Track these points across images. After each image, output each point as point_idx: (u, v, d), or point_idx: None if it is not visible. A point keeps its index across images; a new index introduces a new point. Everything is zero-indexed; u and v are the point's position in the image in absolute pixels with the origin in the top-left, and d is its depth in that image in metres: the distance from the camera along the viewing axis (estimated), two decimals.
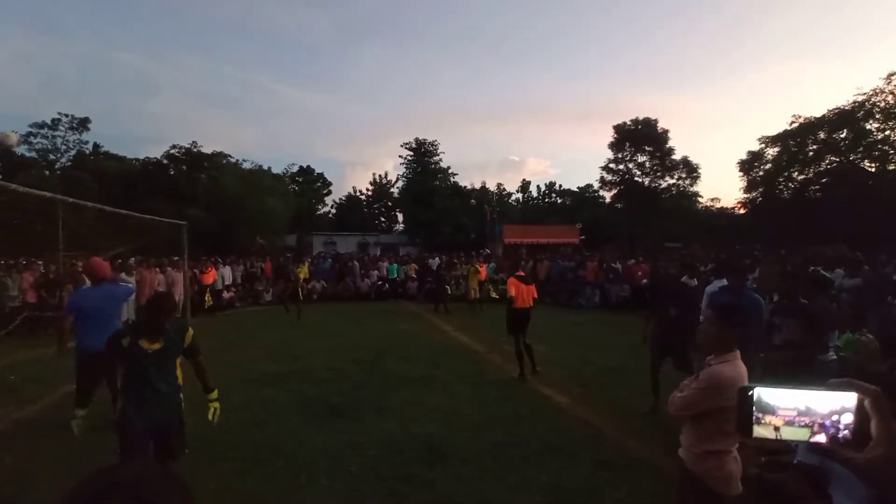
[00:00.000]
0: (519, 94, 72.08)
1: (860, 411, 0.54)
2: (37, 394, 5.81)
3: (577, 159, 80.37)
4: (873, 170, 26.15)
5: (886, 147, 25.51)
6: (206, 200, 25.18)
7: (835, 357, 4.92)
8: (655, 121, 34.55)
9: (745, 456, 2.69)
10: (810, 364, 4.61)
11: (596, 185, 39.14)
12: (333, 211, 46.34)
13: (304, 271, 16.55)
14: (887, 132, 25.47)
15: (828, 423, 0.53)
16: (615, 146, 35.56)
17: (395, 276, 16.77)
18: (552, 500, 3.51)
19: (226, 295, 13.90)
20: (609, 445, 4.43)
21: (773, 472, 2.91)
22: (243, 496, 3.48)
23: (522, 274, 7.06)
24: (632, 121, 34.97)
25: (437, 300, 13.58)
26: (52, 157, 30.72)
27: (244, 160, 31.04)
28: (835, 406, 0.53)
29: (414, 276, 16.84)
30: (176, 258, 12.34)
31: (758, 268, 8.63)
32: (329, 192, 46.23)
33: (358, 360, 7.66)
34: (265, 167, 33.51)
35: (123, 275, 11.26)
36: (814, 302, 4.61)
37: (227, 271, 14.49)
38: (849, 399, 0.53)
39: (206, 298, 13.03)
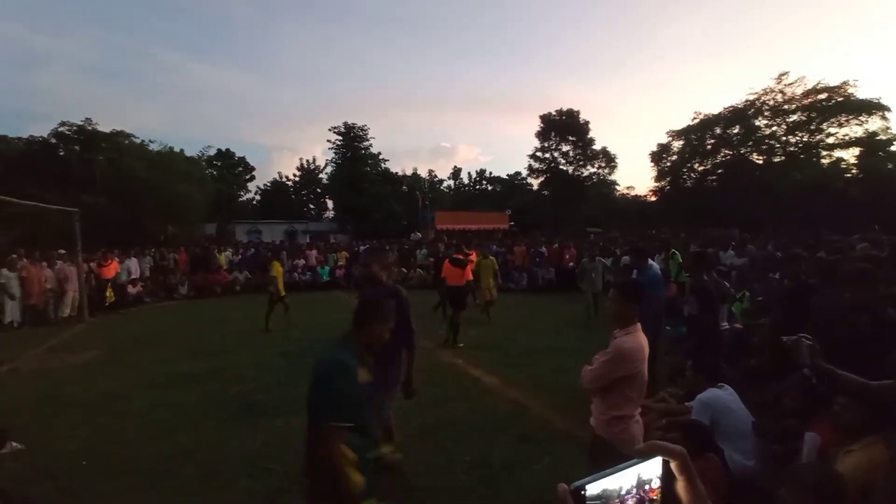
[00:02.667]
0: (451, 81, 72.26)
1: (667, 475, 0.52)
2: None
3: (507, 147, 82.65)
4: (761, 162, 29.61)
5: (773, 142, 28.93)
6: (106, 186, 22.51)
7: (728, 327, 5.55)
8: (578, 112, 36.41)
9: (648, 420, 2.94)
10: (708, 336, 5.17)
11: (524, 173, 40.63)
12: (258, 198, 43.74)
13: (223, 259, 15.55)
14: (774, 128, 28.86)
15: (640, 494, 0.51)
16: (541, 135, 37.02)
17: (327, 278, 16.11)
18: (477, 477, 3.61)
19: (132, 290, 12.61)
20: (533, 421, 4.64)
21: (673, 431, 3.20)
22: None
23: (459, 257, 8.47)
24: (556, 111, 36.54)
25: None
26: None
27: (151, 141, 28.05)
28: (646, 475, 0.52)
29: (343, 264, 16.43)
30: (62, 251, 10.96)
31: (664, 250, 9.49)
32: (252, 178, 43.46)
33: (284, 353, 7.34)
34: (177, 150, 30.57)
35: (5, 270, 9.84)
36: (708, 279, 5.12)
37: (133, 263, 13.13)
38: (656, 465, 0.52)
39: (108, 294, 11.75)
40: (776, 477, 2.22)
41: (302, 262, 16.37)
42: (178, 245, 17.89)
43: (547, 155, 37.32)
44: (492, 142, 78.87)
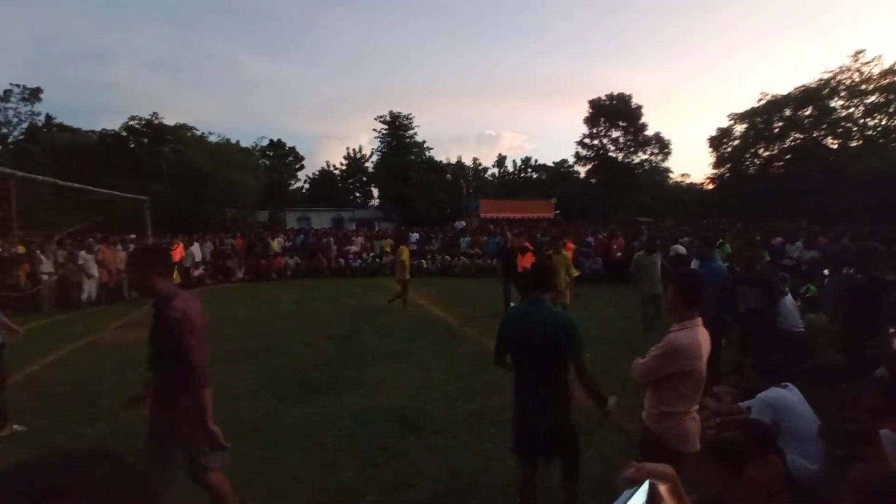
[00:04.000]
0: (495, 68, 71.19)
1: (652, 498, 0.51)
2: None
3: (552, 134, 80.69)
4: (836, 147, 27.10)
5: (850, 125, 26.39)
6: (171, 176, 24.11)
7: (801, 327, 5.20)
8: (629, 96, 34.84)
9: (703, 417, 2.83)
10: (770, 327, 4.90)
11: (571, 160, 39.51)
12: (307, 186, 45.29)
13: (276, 245, 16.29)
14: (851, 109, 26.32)
15: None
16: (590, 121, 35.77)
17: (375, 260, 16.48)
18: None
19: (195, 272, 13.52)
20: (580, 411, 4.56)
21: (727, 430, 3.07)
22: None
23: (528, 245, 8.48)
24: (606, 96, 35.15)
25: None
26: (3, 130, 28.71)
27: (210, 133, 29.68)
28: (639, 502, 0.49)
29: (389, 251, 16.74)
30: (133, 236, 11.86)
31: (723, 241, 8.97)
32: (302, 167, 45.08)
33: (332, 335, 7.62)
34: (233, 141, 32.20)
35: (83, 253, 10.81)
36: (762, 270, 4.83)
37: (196, 248, 14.05)
38: (644, 491, 0.50)
39: (174, 276, 12.62)
40: (839, 482, 2.07)
41: (353, 248, 16.83)
42: (236, 231, 18.89)
43: (595, 141, 36.08)
44: (537, 129, 77.37)
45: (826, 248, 8.93)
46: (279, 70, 68.68)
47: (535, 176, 46.40)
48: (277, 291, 12.58)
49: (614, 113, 34.91)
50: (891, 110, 24.79)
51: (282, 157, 43.29)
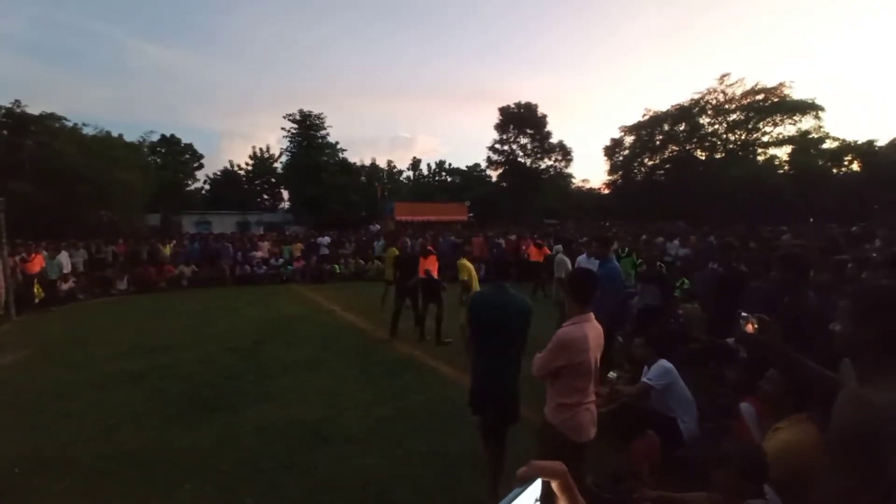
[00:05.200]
0: (411, 71, 71.58)
1: (546, 495, 0.51)
2: None
3: (466, 138, 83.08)
4: (704, 158, 31.40)
5: (714, 139, 30.74)
6: (34, 172, 20.67)
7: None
8: (536, 105, 37.05)
9: (598, 403, 3.06)
10: (664, 316, 5.52)
11: (483, 165, 40.98)
12: (207, 187, 41.61)
13: (167, 251, 14.73)
14: (716, 126, 30.64)
15: None
16: (500, 128, 37.47)
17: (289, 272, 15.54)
18: (435, 467, 3.63)
19: (63, 286, 11.69)
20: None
21: (618, 413, 3.37)
22: None
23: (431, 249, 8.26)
24: (515, 104, 37.03)
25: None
26: None
27: (84, 125, 25.93)
28: (530, 498, 0.50)
29: (299, 255, 15.98)
30: None
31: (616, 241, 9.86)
32: (201, 166, 41.22)
33: (234, 348, 7.06)
34: (115, 134, 28.46)
35: None
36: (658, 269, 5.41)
37: (63, 257, 12.13)
38: (536, 487, 0.50)
39: (36, 291, 10.84)
40: (710, 452, 2.37)
41: (259, 253, 15.77)
42: (116, 236, 16.73)
43: (506, 147, 37.87)
44: (452, 132, 79.15)
45: (696, 246, 10.23)
46: (174, 59, 62.38)
47: (449, 179, 47.32)
48: (170, 303, 11.37)
49: (522, 120, 36.90)
50: (749, 126, 29.25)
51: (176, 154, 39.25)
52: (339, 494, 3.27)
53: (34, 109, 23.37)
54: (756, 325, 1.86)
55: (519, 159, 37.75)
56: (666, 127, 31.93)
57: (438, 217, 28.57)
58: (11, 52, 51.98)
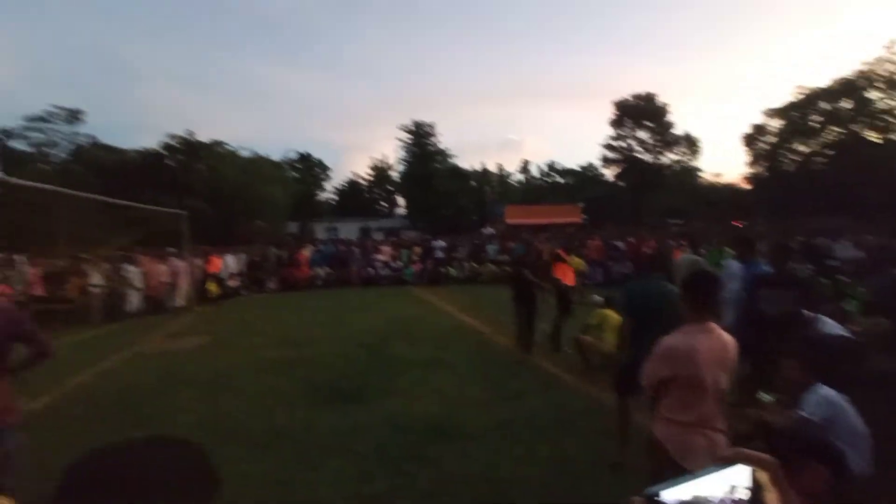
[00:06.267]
0: (516, 72, 70.89)
1: (755, 484, 0.50)
2: (48, 386, 5.89)
3: (577, 137, 79.47)
4: (880, 141, 25.77)
5: (890, 117, 25.11)
6: (205, 191, 25.07)
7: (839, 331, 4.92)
8: (655, 95, 34.12)
9: (743, 429, 2.71)
10: (813, 333, 4.64)
11: (597, 164, 38.94)
12: (334, 197, 46.19)
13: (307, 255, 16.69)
14: (891, 102, 25.05)
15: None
16: (616, 123, 35.25)
17: (409, 277, 16.43)
18: (556, 468, 3.59)
19: (232, 283, 13.98)
20: (612, 418, 4.48)
21: (771, 437, 2.94)
22: (254, 479, 3.54)
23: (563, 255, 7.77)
24: (632, 96, 34.55)
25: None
26: (47, 150, 30.53)
27: (242, 148, 30.75)
28: (729, 484, 0.49)
29: (416, 259, 16.87)
30: (171, 249, 12.38)
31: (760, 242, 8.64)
32: (329, 178, 46.03)
33: (363, 344, 7.71)
34: (263, 155, 33.29)
35: (128, 265, 11.36)
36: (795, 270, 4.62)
37: (232, 260, 14.54)
38: (742, 474, 0.50)
39: (212, 287, 13.11)
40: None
41: (381, 257, 17.05)
42: (266, 242, 19.44)
43: (622, 143, 35.47)
44: (561, 133, 76.52)
45: (872, 246, 8.48)
46: (303, 82, 70.58)
47: (560, 181, 45.92)
48: (308, 301, 12.86)
49: (640, 113, 34.30)
50: None
51: (309, 168, 44.35)
52: (464, 487, 3.38)
53: (202, 137, 28.32)
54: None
55: (637, 155, 35.09)
56: (825, 106, 26.92)
57: (550, 220, 27.82)
58: (182, 87, 63.65)
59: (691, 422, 2.29)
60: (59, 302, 10.19)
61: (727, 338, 2.33)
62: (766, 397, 3.57)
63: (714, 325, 2.31)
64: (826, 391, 3.04)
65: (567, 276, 7.34)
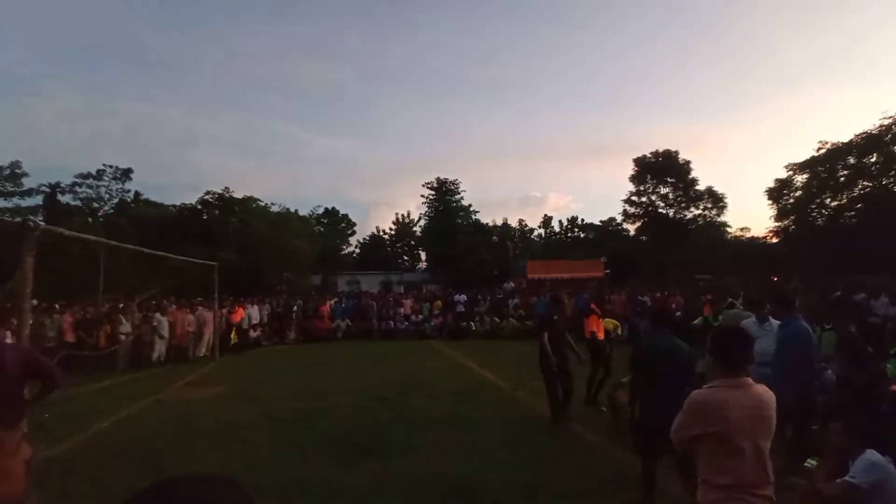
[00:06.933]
0: (538, 130, 73.26)
1: None
2: (69, 432, 5.93)
3: (599, 192, 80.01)
4: None
5: None
6: (237, 243, 26.07)
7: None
8: (676, 152, 34.46)
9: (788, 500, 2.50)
10: (861, 394, 4.34)
11: (619, 218, 38.87)
12: (357, 250, 47.15)
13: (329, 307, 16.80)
14: None
15: None
16: (636, 179, 35.47)
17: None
18: None
19: (252, 334, 14.11)
20: (639, 485, 4.18)
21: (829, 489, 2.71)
22: None
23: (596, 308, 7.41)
24: (652, 153, 34.96)
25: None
26: (95, 205, 32.61)
27: (272, 203, 32.20)
28: None
29: (438, 313, 16.78)
30: (200, 299, 12.72)
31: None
32: (353, 233, 47.27)
33: (382, 398, 7.57)
34: (293, 210, 34.71)
35: (158, 315, 11.68)
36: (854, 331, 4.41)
37: (254, 311, 14.76)
38: None
39: (232, 336, 13.25)
40: None
41: (402, 311, 17.04)
42: (293, 294, 19.78)
43: (643, 199, 35.50)
44: (583, 188, 77.32)
45: None
46: (334, 144, 74.55)
47: (582, 235, 45.87)
48: (328, 353, 12.81)
49: (661, 169, 34.50)
50: None
51: (335, 223, 45.78)
52: None
53: (238, 193, 29.86)
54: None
55: (660, 210, 34.97)
56: (851, 160, 26.64)
57: (572, 274, 27.54)
58: (223, 149, 68.08)
59: (730, 485, 2.13)
60: (88, 349, 10.45)
61: (764, 394, 2.21)
62: (812, 464, 3.32)
63: (749, 381, 2.20)
64: (874, 456, 2.85)
65: (601, 330, 7.03)
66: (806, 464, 3.53)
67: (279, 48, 69.62)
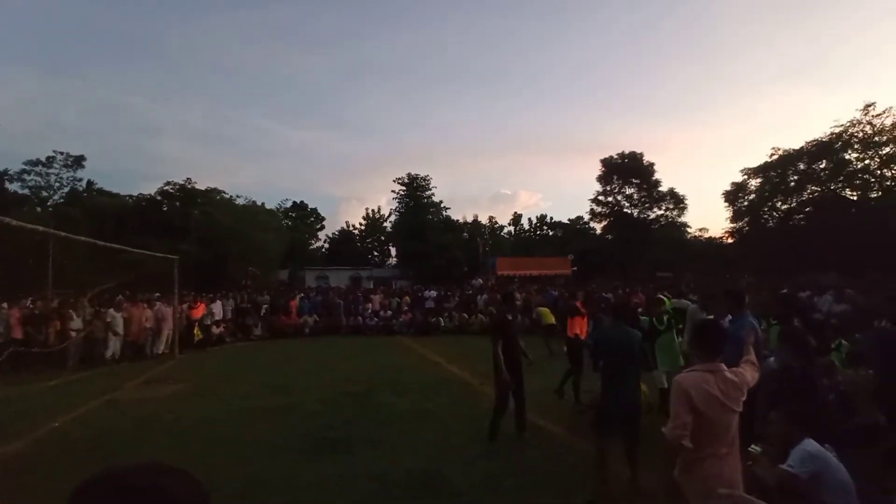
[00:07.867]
0: (510, 128, 73.98)
1: None
2: (20, 431, 5.62)
3: (568, 191, 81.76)
4: (855, 198, 26.93)
5: (867, 176, 26.39)
6: (199, 235, 25.15)
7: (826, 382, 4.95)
8: (641, 154, 35.63)
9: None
10: (804, 385, 4.65)
11: (587, 217, 39.86)
12: (326, 245, 46.41)
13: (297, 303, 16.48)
14: (867, 161, 26.41)
15: None
16: (603, 179, 36.45)
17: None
18: None
19: (216, 330, 13.67)
20: (594, 470, 4.35)
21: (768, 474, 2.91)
22: None
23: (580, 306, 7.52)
24: (618, 154, 36.00)
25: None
26: (44, 194, 30.75)
27: (238, 196, 31.22)
28: None
29: (406, 309, 16.76)
30: (158, 294, 12.26)
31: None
32: (322, 227, 46.45)
33: (349, 393, 7.53)
34: (259, 203, 33.77)
35: (111, 311, 11.15)
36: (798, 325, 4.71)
37: (217, 306, 14.31)
38: None
39: (195, 333, 12.82)
40: None
41: (371, 306, 16.90)
42: (259, 289, 19.28)
43: (609, 199, 36.55)
44: (553, 186, 78.61)
45: (856, 301, 8.67)
46: (303, 136, 72.95)
47: (551, 233, 46.74)
48: (295, 349, 12.59)
49: (627, 171, 35.59)
50: None
51: (304, 217, 44.84)
52: None
53: (201, 185, 28.78)
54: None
55: (625, 210, 36.10)
56: (802, 166, 28.28)
57: (541, 271, 28.12)
58: (187, 139, 65.47)
59: (708, 453, 2.37)
60: (37, 346, 9.89)
61: (735, 377, 2.45)
62: (756, 449, 3.53)
63: (723, 366, 2.46)
64: (810, 446, 3.02)
65: (584, 331, 7.10)
66: (750, 448, 3.76)
67: (248, 34, 67.60)
